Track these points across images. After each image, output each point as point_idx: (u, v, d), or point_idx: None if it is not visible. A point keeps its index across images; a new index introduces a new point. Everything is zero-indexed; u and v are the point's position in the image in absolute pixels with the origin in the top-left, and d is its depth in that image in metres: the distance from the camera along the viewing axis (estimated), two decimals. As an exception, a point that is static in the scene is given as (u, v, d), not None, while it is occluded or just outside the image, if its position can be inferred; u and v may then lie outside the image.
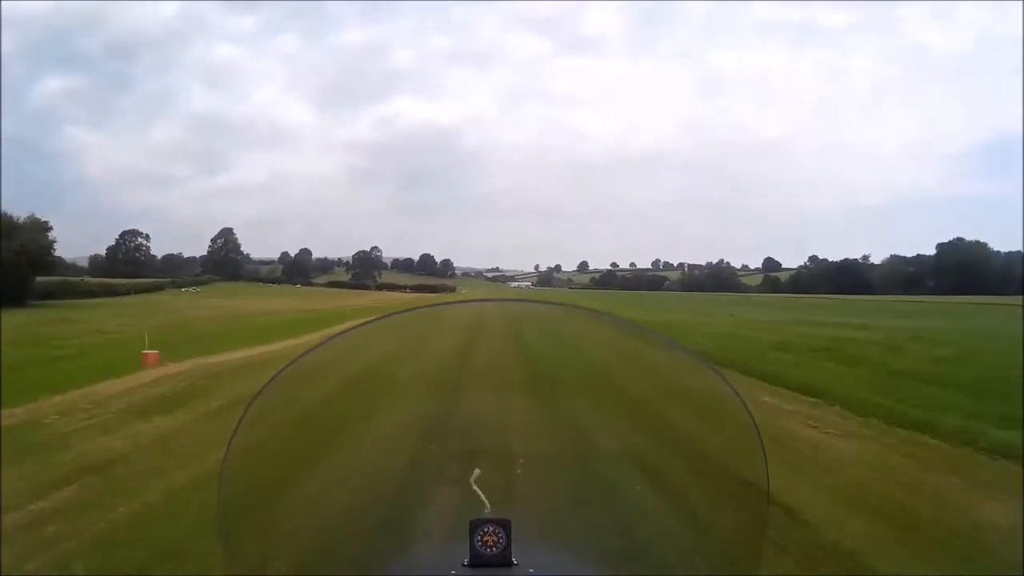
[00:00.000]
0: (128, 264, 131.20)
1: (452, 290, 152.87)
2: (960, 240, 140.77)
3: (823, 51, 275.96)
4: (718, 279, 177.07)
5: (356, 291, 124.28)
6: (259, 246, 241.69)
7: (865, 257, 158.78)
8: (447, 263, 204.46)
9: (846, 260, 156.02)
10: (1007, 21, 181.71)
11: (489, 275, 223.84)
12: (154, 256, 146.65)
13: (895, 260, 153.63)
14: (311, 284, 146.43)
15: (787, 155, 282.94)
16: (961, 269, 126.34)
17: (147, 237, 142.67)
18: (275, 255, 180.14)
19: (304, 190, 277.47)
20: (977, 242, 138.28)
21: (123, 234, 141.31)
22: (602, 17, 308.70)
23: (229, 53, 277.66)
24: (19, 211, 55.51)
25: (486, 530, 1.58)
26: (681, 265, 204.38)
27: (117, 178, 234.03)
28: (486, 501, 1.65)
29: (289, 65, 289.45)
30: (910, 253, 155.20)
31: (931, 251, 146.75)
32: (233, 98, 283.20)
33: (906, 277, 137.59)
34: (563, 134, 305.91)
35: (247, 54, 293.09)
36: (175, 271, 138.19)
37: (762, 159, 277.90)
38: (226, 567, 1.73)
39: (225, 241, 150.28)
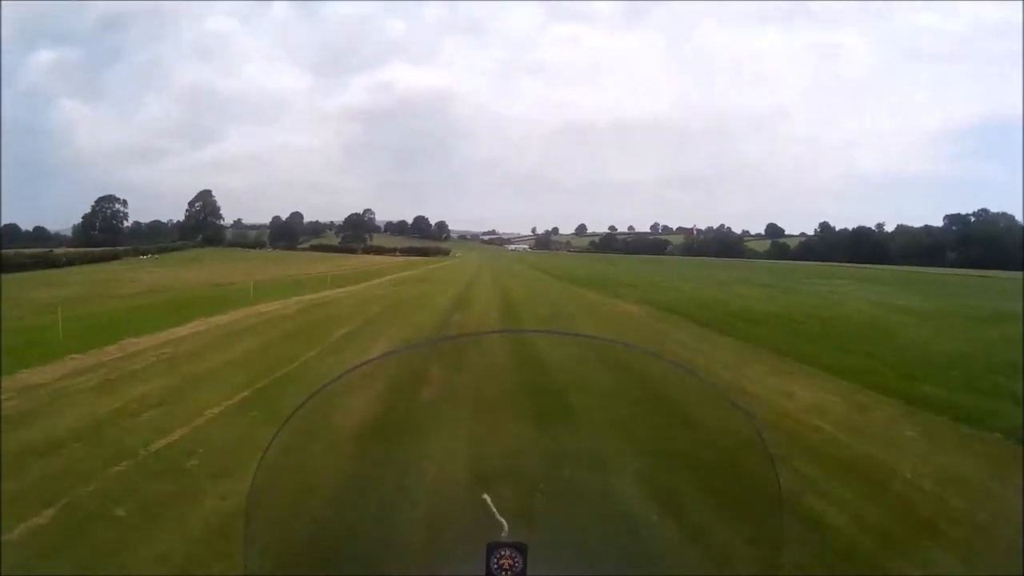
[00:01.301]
0: (105, 232, 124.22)
1: (446, 253, 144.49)
2: (985, 212, 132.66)
3: (820, 29, 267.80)
4: (724, 244, 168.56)
5: (340, 254, 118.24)
6: (252, 211, 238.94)
7: (879, 226, 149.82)
8: (442, 225, 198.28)
9: (861, 228, 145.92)
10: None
11: (485, 238, 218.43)
12: (139, 223, 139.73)
13: (906, 230, 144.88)
14: (294, 248, 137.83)
15: (784, 126, 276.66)
16: (987, 241, 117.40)
17: (124, 203, 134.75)
18: (267, 220, 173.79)
19: (298, 157, 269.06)
20: (1004, 213, 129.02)
21: (99, 201, 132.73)
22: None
23: (220, 24, 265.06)
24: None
25: (503, 553, 1.62)
26: (681, 229, 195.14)
27: (106, 151, 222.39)
28: (504, 523, 1.70)
29: (281, 34, 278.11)
30: (916, 224, 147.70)
31: (938, 223, 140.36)
32: (224, 69, 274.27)
33: (928, 247, 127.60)
34: (559, 103, 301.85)
35: (238, 24, 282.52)
36: (157, 238, 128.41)
37: (760, 129, 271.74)
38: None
39: (203, 204, 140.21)
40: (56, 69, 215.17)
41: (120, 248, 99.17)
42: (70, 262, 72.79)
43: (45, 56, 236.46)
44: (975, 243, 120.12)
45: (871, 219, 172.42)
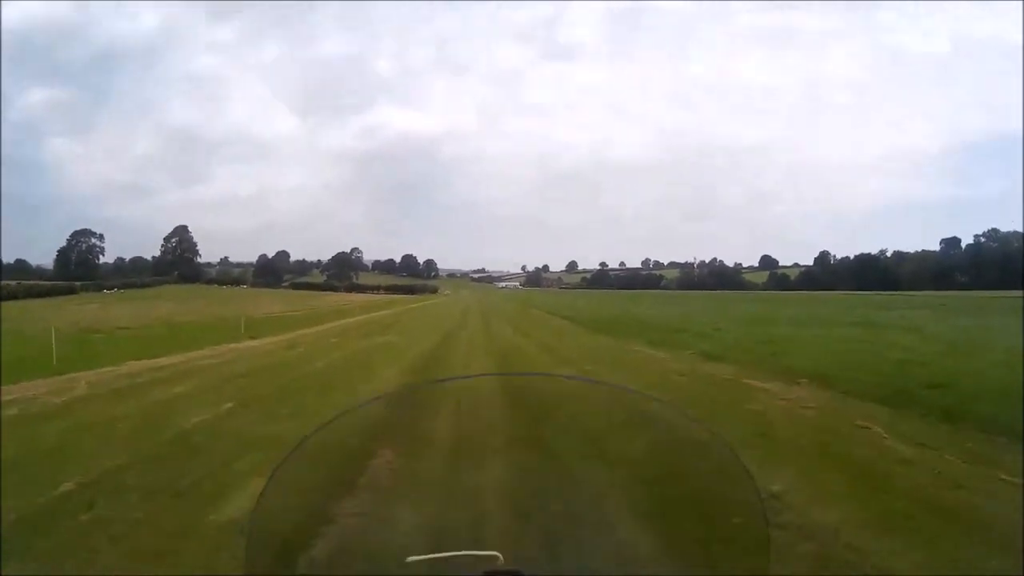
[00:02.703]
0: (80, 266, 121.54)
1: (433, 291, 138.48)
2: (995, 231, 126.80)
3: (804, 55, 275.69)
4: (722, 276, 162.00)
5: (322, 292, 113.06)
6: (241, 250, 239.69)
7: (882, 252, 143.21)
8: (430, 263, 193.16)
9: (864, 255, 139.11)
10: (984, 23, 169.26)
11: (475, 276, 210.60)
12: (122, 259, 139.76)
13: (913, 256, 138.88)
14: (273, 287, 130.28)
15: (771, 158, 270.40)
16: (1004, 263, 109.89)
17: (100, 237, 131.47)
18: (255, 258, 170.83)
19: (287, 197, 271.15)
20: (1015, 232, 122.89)
21: (74, 235, 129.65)
22: (583, 22, 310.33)
23: (210, 63, 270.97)
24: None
25: None
26: (673, 264, 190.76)
27: (95, 187, 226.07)
28: (499, 555, 1.71)
29: (270, 75, 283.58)
30: (912, 250, 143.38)
31: (933, 247, 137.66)
32: (215, 109, 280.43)
33: (939, 271, 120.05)
34: (547, 140, 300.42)
35: (228, 63, 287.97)
36: (138, 274, 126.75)
37: (748, 162, 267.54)
38: None
39: (179, 240, 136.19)
40: (46, 106, 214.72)
41: (79, 283, 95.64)
42: (12, 296, 68.67)
43: (35, 93, 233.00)
44: (988, 265, 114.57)
45: (863, 247, 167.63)
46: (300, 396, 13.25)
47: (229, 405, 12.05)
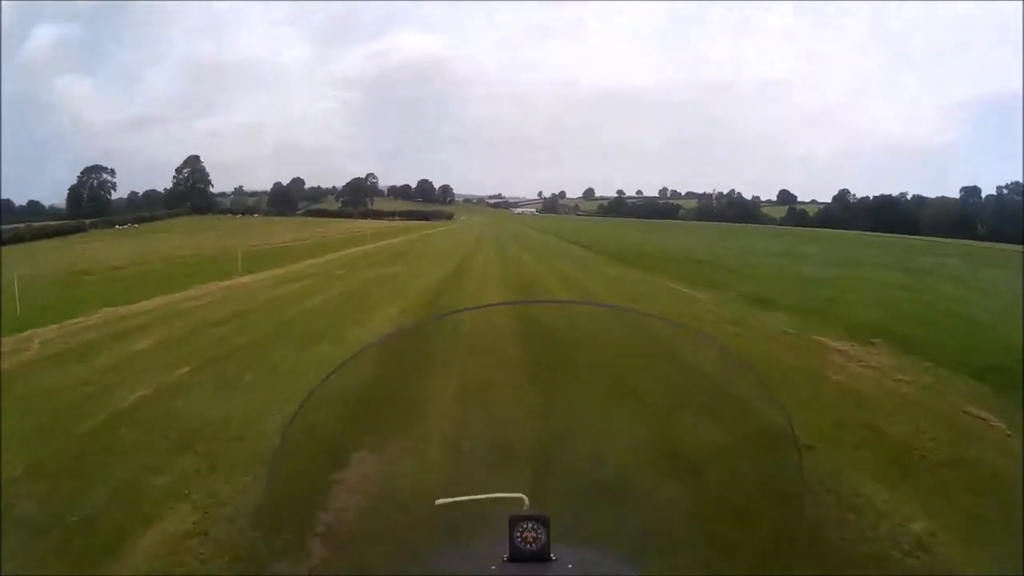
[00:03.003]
0: (92, 203, 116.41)
1: (449, 217, 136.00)
2: (1017, 184, 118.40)
3: None
4: (741, 209, 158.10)
5: (335, 219, 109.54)
6: (254, 179, 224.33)
7: (902, 195, 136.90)
8: (446, 189, 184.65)
9: (884, 196, 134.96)
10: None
11: (491, 201, 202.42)
12: (135, 193, 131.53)
13: (935, 201, 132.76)
14: (287, 215, 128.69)
15: (793, 92, 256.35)
16: None
17: (112, 173, 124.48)
18: (269, 187, 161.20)
19: (301, 124, 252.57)
20: None
21: (85, 171, 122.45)
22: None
23: None
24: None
25: (525, 526, 1.61)
26: (690, 194, 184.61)
27: (106, 123, 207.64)
28: (524, 497, 1.69)
29: (281, 3, 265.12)
30: (930, 195, 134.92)
31: (953, 194, 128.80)
32: (226, 39, 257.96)
33: (960, 219, 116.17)
34: (566, 66, 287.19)
35: None
36: (148, 207, 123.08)
37: (769, 95, 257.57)
38: (269, 546, 2.00)
39: (192, 171, 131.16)
40: (54, 43, 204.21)
41: (89, 220, 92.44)
42: (18, 239, 64.83)
43: (43, 31, 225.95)
44: (1010, 217, 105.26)
45: (880, 188, 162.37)
46: (276, 351, 11.13)
47: (185, 370, 9.88)
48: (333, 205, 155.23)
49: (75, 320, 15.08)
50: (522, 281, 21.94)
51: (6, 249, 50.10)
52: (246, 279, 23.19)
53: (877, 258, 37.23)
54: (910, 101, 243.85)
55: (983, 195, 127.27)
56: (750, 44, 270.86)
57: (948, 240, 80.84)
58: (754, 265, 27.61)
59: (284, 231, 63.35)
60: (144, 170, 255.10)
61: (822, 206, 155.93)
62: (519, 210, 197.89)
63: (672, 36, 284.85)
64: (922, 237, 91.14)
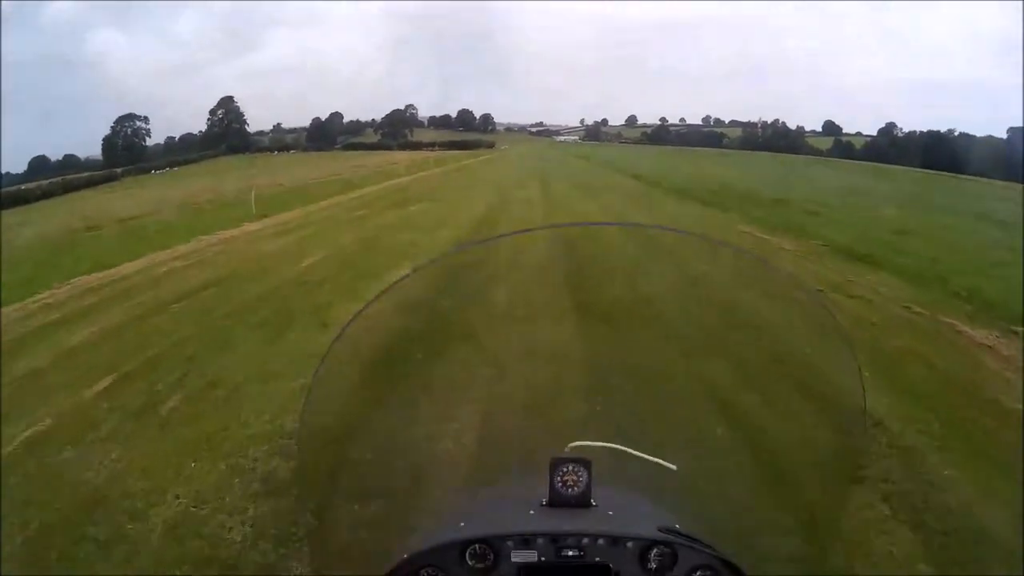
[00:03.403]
0: (127, 151, 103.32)
1: (490, 146, 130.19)
2: None
3: None
4: (787, 138, 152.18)
5: (369, 152, 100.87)
6: (293, 116, 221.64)
7: (950, 131, 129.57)
8: (487, 118, 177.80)
9: (932, 132, 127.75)
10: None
11: (533, 129, 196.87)
12: (172, 138, 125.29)
13: (969, 139, 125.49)
14: (325, 150, 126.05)
15: (837, 18, 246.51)
16: None
17: (145, 120, 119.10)
18: (307, 123, 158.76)
19: (338, 58, 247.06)
20: None
21: (118, 121, 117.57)
22: None
23: None
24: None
25: (567, 469, 1.59)
26: (734, 122, 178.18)
27: (142, 71, 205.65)
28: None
29: None
30: (979, 134, 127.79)
31: (1000, 134, 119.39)
32: None
33: (1012, 160, 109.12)
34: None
35: None
36: (184, 151, 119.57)
37: (811, 22, 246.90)
38: (300, 493, 2.16)
39: (226, 112, 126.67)
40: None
41: (120, 169, 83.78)
42: (46, 194, 60.96)
43: None
44: None
45: (923, 123, 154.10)
46: (237, 345, 8.32)
47: (107, 382, 7.25)
48: (372, 138, 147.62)
49: (42, 294, 12.71)
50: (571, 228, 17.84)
51: (26, 208, 49.03)
52: (255, 226, 20.40)
53: (950, 202, 32.54)
54: (959, 34, 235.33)
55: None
56: None
57: (996, 181, 75.55)
58: (829, 205, 23.65)
59: (316, 167, 59.72)
60: (179, 114, 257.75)
61: (867, 139, 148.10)
62: (561, 138, 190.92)
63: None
64: (977, 178, 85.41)
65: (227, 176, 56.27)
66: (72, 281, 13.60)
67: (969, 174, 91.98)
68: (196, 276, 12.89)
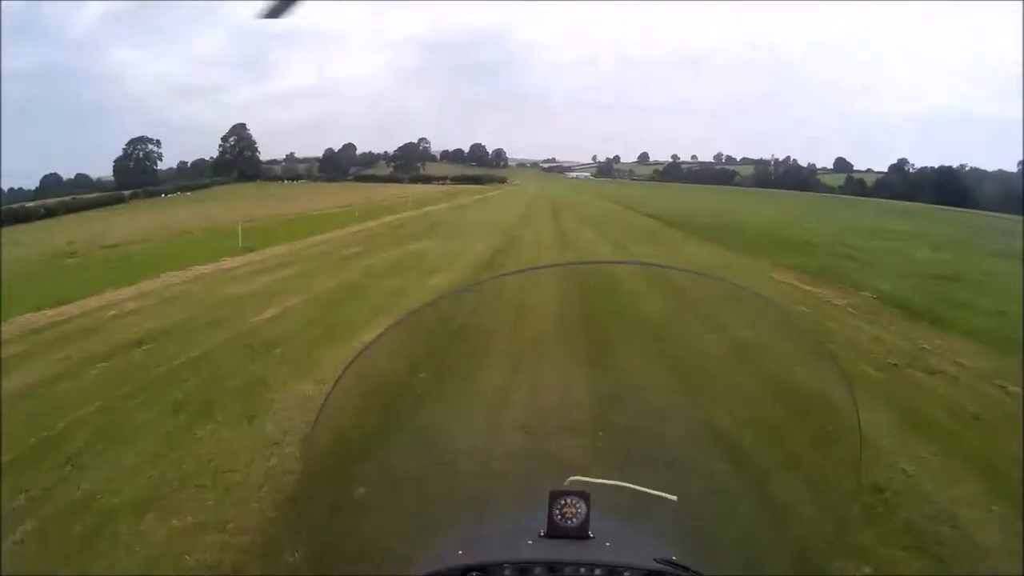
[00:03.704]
0: (139, 174, 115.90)
1: (502, 181, 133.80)
2: None
3: None
4: (798, 177, 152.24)
5: (380, 185, 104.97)
6: (308, 144, 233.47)
7: (962, 166, 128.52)
8: (499, 153, 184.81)
9: (944, 168, 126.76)
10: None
11: (545, 165, 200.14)
12: (184, 163, 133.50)
13: (981, 174, 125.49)
14: (336, 181, 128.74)
15: (847, 55, 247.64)
16: None
17: (158, 143, 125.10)
18: (320, 152, 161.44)
19: (354, 89, 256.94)
20: None
21: (130, 143, 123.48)
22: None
23: None
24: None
25: (566, 502, 1.58)
26: (746, 160, 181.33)
27: (159, 92, 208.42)
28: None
29: None
30: (989, 168, 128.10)
31: (1011, 168, 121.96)
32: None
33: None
34: (620, 26, 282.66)
35: None
36: (196, 176, 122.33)
37: (822, 59, 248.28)
38: (302, 521, 2.10)
39: (238, 139, 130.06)
40: (106, 16, 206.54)
41: (129, 192, 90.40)
42: (50, 213, 61.87)
43: (95, 4, 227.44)
44: None
45: (933, 159, 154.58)
46: (134, 433, 6.44)
47: None
48: (384, 170, 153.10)
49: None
50: (586, 268, 15.96)
51: (24, 227, 48.16)
52: (233, 262, 18.61)
53: (981, 240, 30.86)
54: (968, 71, 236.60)
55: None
56: (806, 7, 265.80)
57: (1011, 216, 73.72)
58: (866, 249, 21.77)
59: (323, 198, 58.90)
60: (193, 138, 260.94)
61: (879, 175, 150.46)
62: (573, 174, 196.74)
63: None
64: (994, 213, 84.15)
65: (232, 203, 56.27)
66: (14, 319, 11.91)
67: (982, 209, 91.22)
68: (137, 326, 10.75)
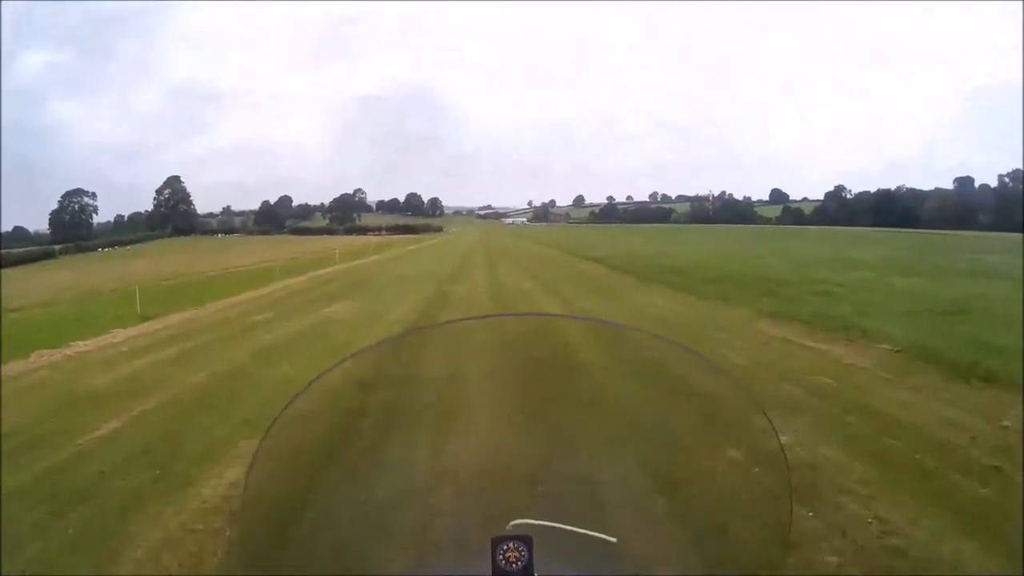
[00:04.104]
0: (74, 227, 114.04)
1: (437, 230, 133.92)
2: (1019, 172, 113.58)
3: None
4: (735, 210, 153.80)
5: (314, 237, 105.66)
6: (244, 198, 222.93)
7: (899, 188, 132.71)
8: (435, 202, 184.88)
9: (882, 191, 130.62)
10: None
11: (481, 212, 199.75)
12: (121, 216, 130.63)
13: (917, 194, 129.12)
14: (271, 233, 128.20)
15: (776, 84, 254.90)
16: None
17: (93, 196, 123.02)
18: (256, 205, 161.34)
19: (289, 145, 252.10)
20: None
21: (65, 195, 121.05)
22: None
23: (208, 17, 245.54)
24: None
25: (508, 547, 1.53)
26: (681, 197, 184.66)
27: (95, 148, 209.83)
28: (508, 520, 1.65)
29: (269, 25, 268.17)
30: (925, 187, 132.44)
31: (947, 184, 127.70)
32: (213, 62, 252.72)
33: (961, 211, 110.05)
34: (550, 93, 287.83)
35: (225, 16, 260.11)
36: (132, 230, 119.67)
37: (748, 88, 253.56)
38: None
39: (172, 192, 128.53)
40: (46, 69, 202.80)
41: (59, 247, 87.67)
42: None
43: (35, 57, 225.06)
44: (1013, 206, 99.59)
45: (869, 183, 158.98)
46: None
47: None
48: (320, 222, 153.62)
49: None
50: (529, 327, 13.45)
51: None
52: (122, 335, 16.16)
53: (941, 261, 29.65)
54: (895, 95, 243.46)
55: (976, 185, 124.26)
56: (738, 42, 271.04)
57: (950, 232, 74.60)
58: (842, 283, 19.91)
59: (252, 252, 56.63)
60: (130, 193, 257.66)
61: (816, 203, 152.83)
62: (510, 220, 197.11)
63: (655, 35, 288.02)
64: (925, 231, 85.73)
65: (158, 259, 54.86)
66: None
67: (922, 228, 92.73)
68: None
